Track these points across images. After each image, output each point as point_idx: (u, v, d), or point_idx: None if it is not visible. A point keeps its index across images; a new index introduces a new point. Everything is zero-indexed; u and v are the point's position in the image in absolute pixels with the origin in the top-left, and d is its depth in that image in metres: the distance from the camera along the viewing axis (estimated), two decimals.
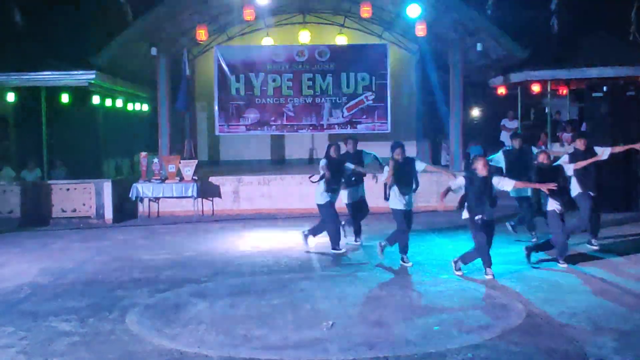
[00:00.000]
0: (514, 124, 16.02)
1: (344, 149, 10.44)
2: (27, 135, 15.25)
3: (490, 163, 8.91)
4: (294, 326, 6.42)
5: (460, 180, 8.34)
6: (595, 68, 13.82)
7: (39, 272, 9.01)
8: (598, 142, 10.22)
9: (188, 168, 14.15)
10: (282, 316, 6.75)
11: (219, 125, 17.82)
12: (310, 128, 17.97)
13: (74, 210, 13.61)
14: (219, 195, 14.55)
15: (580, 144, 9.74)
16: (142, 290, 7.94)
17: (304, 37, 17.36)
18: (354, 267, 9.14)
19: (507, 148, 11.53)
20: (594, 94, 14.25)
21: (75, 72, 13.72)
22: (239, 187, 14.59)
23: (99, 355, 5.76)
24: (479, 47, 15.06)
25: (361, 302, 7.29)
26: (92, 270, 9.15)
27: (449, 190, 8.38)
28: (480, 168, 8.10)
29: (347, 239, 10.53)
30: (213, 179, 14.64)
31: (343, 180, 10.08)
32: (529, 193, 10.30)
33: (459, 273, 8.41)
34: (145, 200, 14.18)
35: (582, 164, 9.45)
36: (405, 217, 9.08)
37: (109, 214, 13.62)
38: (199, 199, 14.25)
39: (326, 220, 10.04)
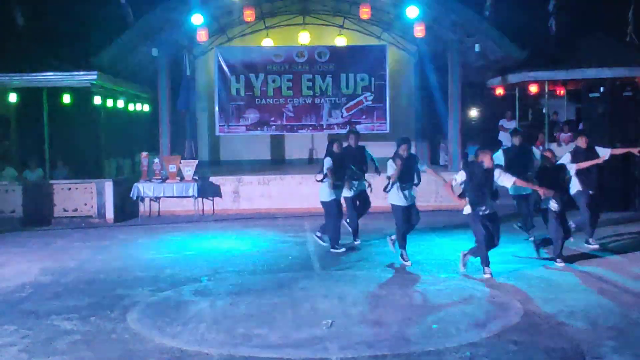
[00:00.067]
0: (512, 125, 16.06)
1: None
2: (29, 135, 15.29)
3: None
4: (294, 325, 6.45)
5: (461, 175, 8.34)
6: (593, 69, 13.88)
7: (41, 271, 9.06)
8: (595, 142, 10.28)
9: (189, 168, 14.21)
10: (282, 315, 6.79)
11: (219, 126, 17.89)
12: (310, 128, 18.03)
13: (76, 210, 13.66)
14: (219, 195, 14.60)
15: (582, 142, 9.80)
16: (143, 289, 7.99)
17: (304, 38, 17.44)
18: (354, 266, 9.17)
19: (505, 147, 11.56)
20: (591, 95, 14.30)
21: (77, 73, 13.77)
22: (239, 186, 14.64)
23: (100, 353, 5.80)
24: (477, 48, 15.11)
25: (360, 301, 7.32)
26: (93, 269, 9.20)
27: (451, 185, 8.40)
28: (487, 160, 8.08)
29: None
30: (213, 179, 14.69)
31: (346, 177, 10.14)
32: (529, 192, 10.34)
33: (463, 269, 8.42)
34: (146, 200, 14.24)
35: (584, 164, 9.51)
36: (408, 212, 9.10)
37: (110, 213, 13.67)
38: (200, 199, 14.31)
39: (328, 218, 10.07)
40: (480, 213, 8.10)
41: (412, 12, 14.04)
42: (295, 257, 9.80)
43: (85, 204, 13.68)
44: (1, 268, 9.38)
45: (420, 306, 7.19)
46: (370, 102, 17.75)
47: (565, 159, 9.60)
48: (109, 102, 15.98)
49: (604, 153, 9.84)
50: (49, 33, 15.10)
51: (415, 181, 9.19)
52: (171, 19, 14.78)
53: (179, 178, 14.17)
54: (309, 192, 14.05)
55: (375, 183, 10.44)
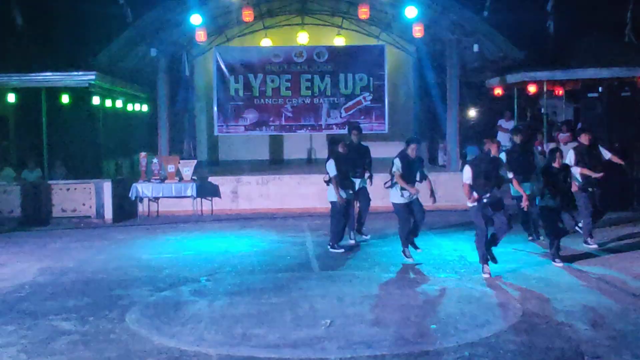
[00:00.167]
0: (511, 125, 16.06)
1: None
2: (28, 135, 15.30)
3: None
4: (292, 325, 6.45)
5: (467, 171, 8.35)
6: (591, 69, 13.89)
7: (40, 272, 9.05)
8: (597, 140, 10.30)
9: (187, 168, 14.19)
10: (281, 315, 6.79)
11: (218, 126, 17.89)
12: (309, 128, 18.05)
13: (74, 210, 13.64)
14: (218, 195, 14.59)
15: (584, 139, 9.79)
16: (142, 289, 7.99)
17: (303, 38, 17.45)
18: (352, 266, 9.18)
19: (505, 148, 11.55)
20: (589, 95, 14.34)
21: (76, 73, 13.76)
22: (237, 187, 14.64)
23: (98, 353, 5.80)
24: (475, 48, 15.14)
25: (359, 301, 7.31)
26: (92, 269, 9.19)
27: (469, 185, 8.37)
28: (493, 149, 8.43)
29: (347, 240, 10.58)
30: (212, 179, 14.69)
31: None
32: (528, 191, 10.32)
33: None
34: (145, 200, 14.23)
35: (587, 172, 9.52)
36: (410, 208, 9.11)
37: (108, 213, 13.65)
38: (198, 199, 14.30)
39: (333, 216, 10.05)
40: (485, 200, 8.16)
41: (410, 12, 14.05)
42: (294, 257, 9.80)
43: (84, 204, 13.66)
44: (0, 268, 9.38)
45: (419, 306, 7.18)
46: (369, 102, 17.77)
47: (569, 158, 9.59)
48: (108, 102, 15.97)
49: (606, 154, 9.85)
50: (47, 33, 15.11)
51: (417, 178, 9.19)
52: (170, 19, 14.79)
53: (177, 178, 14.16)
54: (307, 192, 14.08)
55: (375, 183, 10.48)
